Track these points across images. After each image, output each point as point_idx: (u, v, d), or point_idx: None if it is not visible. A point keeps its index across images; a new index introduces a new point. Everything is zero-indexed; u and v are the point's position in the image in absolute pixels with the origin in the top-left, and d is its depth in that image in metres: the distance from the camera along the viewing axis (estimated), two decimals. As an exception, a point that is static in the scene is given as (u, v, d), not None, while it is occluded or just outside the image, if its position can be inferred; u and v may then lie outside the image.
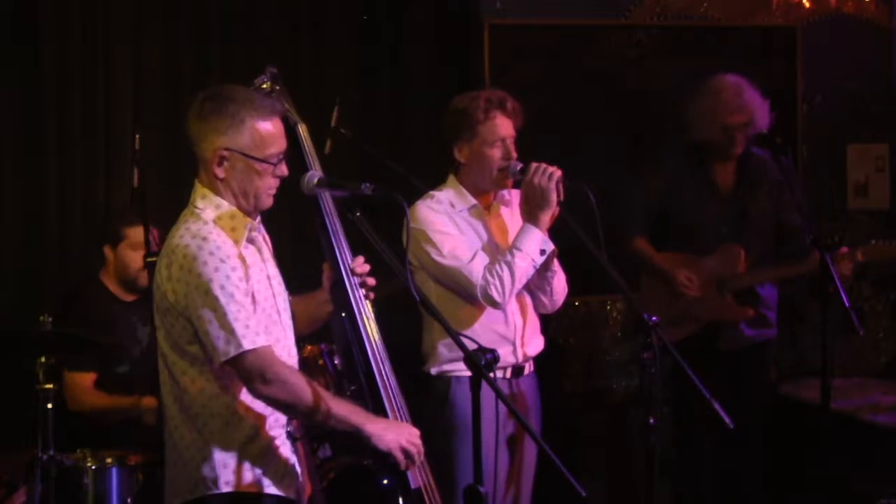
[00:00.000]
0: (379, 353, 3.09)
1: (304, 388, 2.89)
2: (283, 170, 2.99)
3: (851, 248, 4.58)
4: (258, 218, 3.04)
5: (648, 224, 4.92)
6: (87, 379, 4.55)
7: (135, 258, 4.57)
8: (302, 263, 3.31)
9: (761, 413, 4.89)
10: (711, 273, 4.78)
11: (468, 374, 2.83)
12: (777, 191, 4.75)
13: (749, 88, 4.79)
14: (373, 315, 3.12)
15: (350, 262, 3.14)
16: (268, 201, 3.00)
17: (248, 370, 2.85)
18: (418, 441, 2.99)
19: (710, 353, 4.78)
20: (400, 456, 2.93)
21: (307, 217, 3.26)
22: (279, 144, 2.97)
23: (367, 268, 3.17)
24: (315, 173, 3.11)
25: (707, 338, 4.81)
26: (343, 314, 3.06)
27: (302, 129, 3.17)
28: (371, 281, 3.18)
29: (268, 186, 2.97)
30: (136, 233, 4.54)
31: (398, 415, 3.10)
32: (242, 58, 5.28)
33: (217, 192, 2.97)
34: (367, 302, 3.14)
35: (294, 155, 3.07)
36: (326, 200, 3.13)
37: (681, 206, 4.86)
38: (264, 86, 3.17)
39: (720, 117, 4.76)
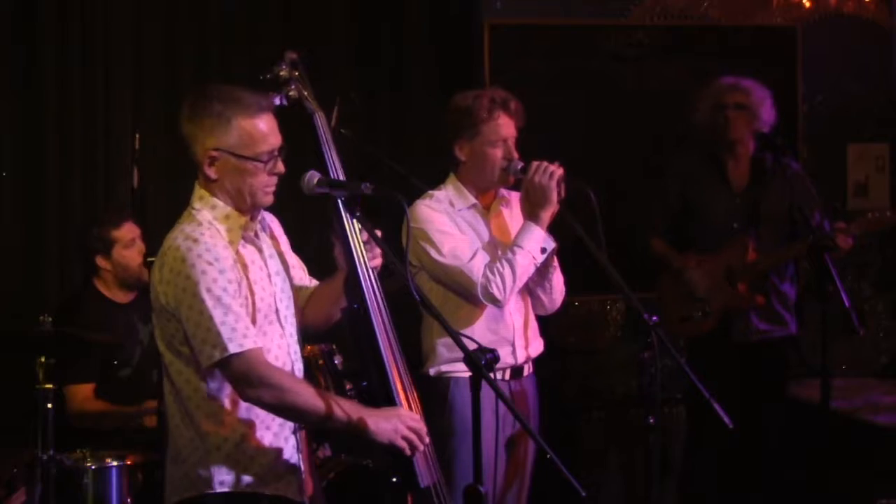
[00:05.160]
0: (393, 348, 3.04)
1: (292, 391, 2.85)
2: (280, 167, 2.96)
3: (848, 223, 4.63)
4: (260, 216, 3.03)
5: (666, 225, 5.04)
6: (86, 390, 4.49)
7: (133, 256, 4.53)
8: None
9: (775, 409, 4.90)
10: (721, 264, 4.83)
11: (467, 374, 2.82)
12: (791, 188, 4.79)
13: (750, 81, 4.90)
14: (386, 308, 3.08)
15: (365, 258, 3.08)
16: (266, 199, 2.97)
17: (234, 374, 2.83)
18: (419, 424, 2.93)
19: (724, 347, 4.84)
20: (402, 444, 2.89)
21: (308, 210, 3.23)
22: (270, 142, 2.93)
23: (377, 253, 3.08)
24: (315, 173, 3.06)
25: (721, 333, 4.86)
26: (356, 306, 3.02)
27: (320, 118, 3.12)
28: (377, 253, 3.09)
29: (262, 184, 2.94)
30: (125, 231, 4.51)
31: (410, 406, 3.04)
32: (242, 58, 5.28)
33: (213, 194, 2.95)
34: (382, 297, 3.09)
35: (311, 145, 3.04)
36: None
37: (696, 206, 4.97)
38: (282, 73, 3.11)
39: (716, 96, 4.88)
